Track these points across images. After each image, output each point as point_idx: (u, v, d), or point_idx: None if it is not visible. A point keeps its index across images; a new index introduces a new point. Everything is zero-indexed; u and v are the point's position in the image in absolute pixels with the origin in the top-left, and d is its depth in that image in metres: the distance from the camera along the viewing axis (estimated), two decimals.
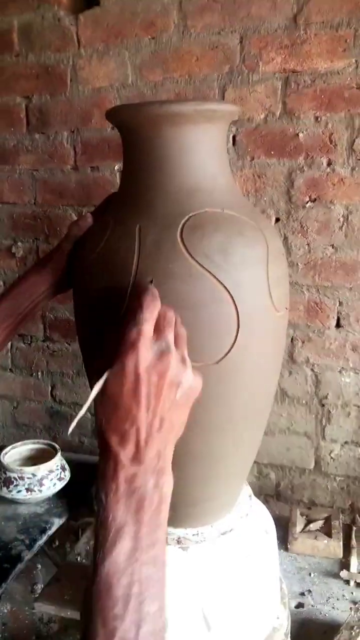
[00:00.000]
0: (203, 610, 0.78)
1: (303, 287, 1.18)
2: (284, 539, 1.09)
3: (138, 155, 0.73)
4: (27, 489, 1.18)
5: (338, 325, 1.18)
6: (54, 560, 1.23)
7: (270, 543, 0.89)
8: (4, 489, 1.18)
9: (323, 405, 1.22)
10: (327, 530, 1.12)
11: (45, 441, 1.32)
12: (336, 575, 1.04)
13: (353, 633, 0.84)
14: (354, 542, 1.10)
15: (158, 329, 0.50)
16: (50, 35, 1.27)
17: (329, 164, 1.12)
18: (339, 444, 1.23)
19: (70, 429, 0.54)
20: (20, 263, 1.43)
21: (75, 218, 1.32)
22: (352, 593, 1.00)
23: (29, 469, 1.18)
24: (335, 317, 1.18)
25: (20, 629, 1.16)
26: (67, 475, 1.23)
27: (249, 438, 0.80)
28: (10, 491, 1.18)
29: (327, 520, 1.15)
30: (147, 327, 0.48)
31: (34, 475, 1.18)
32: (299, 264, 1.18)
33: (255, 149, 1.16)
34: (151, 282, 0.62)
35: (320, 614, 0.96)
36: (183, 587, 0.78)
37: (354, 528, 1.15)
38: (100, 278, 0.70)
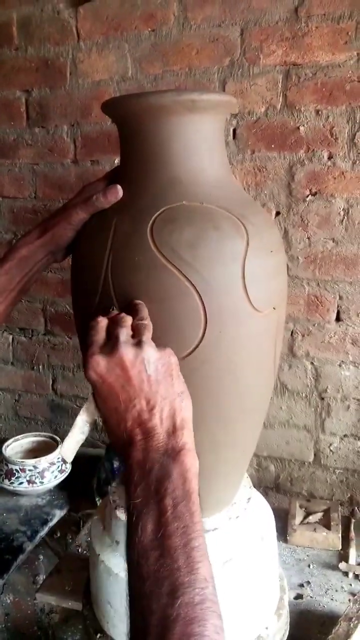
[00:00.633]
0: None
1: (303, 280, 1.19)
2: (283, 530, 1.09)
3: (126, 148, 0.73)
4: (29, 481, 1.19)
5: (338, 319, 1.18)
6: (55, 551, 1.25)
7: (265, 551, 0.84)
8: (6, 481, 1.19)
9: (323, 399, 1.23)
10: (326, 523, 1.13)
11: (47, 434, 1.34)
12: (335, 567, 1.04)
13: (351, 624, 0.85)
14: (352, 534, 1.11)
15: (109, 332, 0.57)
16: (50, 28, 1.26)
17: (330, 157, 1.12)
18: (338, 437, 1.24)
19: (68, 454, 0.62)
20: None
21: None
22: (350, 585, 1.01)
23: (31, 461, 1.20)
24: (335, 311, 1.18)
25: (23, 619, 1.18)
26: (68, 467, 1.24)
27: (232, 437, 0.76)
28: (12, 483, 1.19)
29: (326, 513, 1.16)
30: (94, 347, 0.55)
31: (35, 467, 1.19)
32: (299, 257, 1.18)
33: (255, 142, 1.16)
34: (112, 309, 0.64)
35: (319, 605, 0.96)
36: None
37: (353, 520, 1.15)
38: (81, 271, 0.72)
